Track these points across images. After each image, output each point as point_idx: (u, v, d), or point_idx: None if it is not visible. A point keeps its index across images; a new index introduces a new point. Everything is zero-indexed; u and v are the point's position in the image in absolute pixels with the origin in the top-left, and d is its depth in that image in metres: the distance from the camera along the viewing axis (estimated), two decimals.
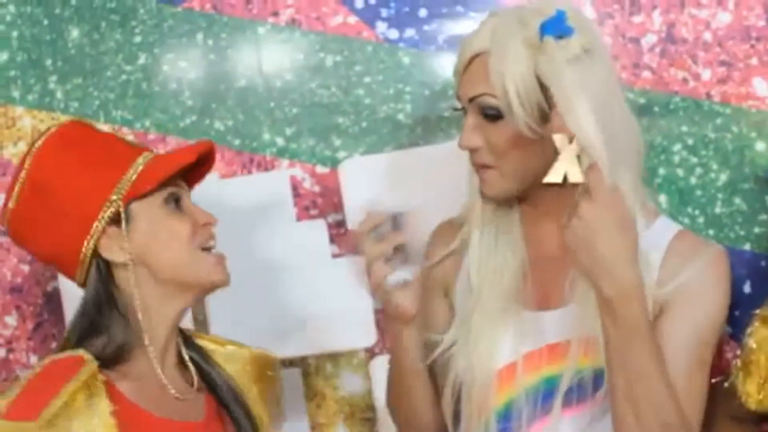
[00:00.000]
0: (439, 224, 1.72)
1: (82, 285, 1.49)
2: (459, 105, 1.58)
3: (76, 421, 1.36)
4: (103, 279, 1.46)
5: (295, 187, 1.91)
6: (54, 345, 1.96)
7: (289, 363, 1.88)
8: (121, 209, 1.45)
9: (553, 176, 1.42)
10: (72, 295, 1.80)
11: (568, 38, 1.49)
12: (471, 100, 1.54)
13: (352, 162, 1.90)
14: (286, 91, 1.91)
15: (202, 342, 1.60)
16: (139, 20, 1.94)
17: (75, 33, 1.95)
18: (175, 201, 1.49)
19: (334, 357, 1.91)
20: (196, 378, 1.52)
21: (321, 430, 1.91)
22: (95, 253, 1.46)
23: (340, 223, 1.91)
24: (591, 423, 1.53)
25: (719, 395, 1.65)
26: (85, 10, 1.94)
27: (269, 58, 1.91)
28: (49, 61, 1.96)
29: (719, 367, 1.67)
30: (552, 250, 1.58)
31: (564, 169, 1.42)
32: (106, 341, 1.44)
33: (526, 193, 1.57)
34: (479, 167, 1.56)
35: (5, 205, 1.48)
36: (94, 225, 1.45)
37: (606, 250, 1.39)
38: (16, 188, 1.46)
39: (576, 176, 1.43)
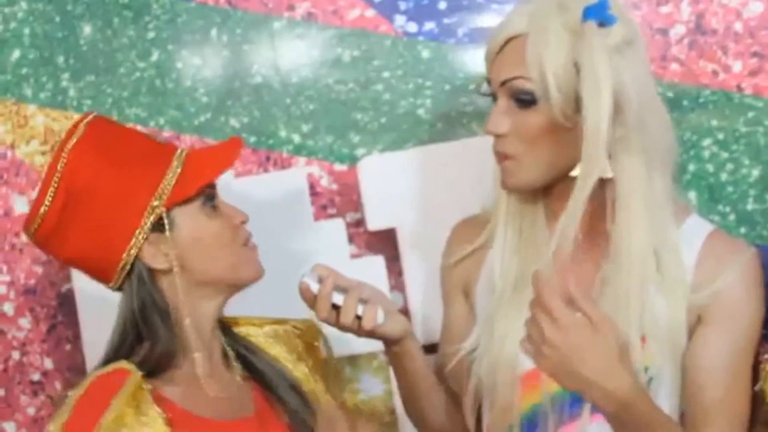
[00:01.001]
0: (459, 222, 1.69)
1: (117, 289, 1.48)
2: (488, 90, 1.54)
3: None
4: (147, 286, 1.45)
5: (313, 186, 1.90)
6: (68, 347, 1.95)
7: None
8: (164, 215, 1.44)
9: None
10: (86, 297, 1.91)
11: (610, 27, 1.46)
12: (503, 83, 1.50)
13: (370, 159, 1.88)
14: (303, 87, 1.90)
15: (240, 329, 1.59)
16: (153, 16, 1.92)
17: (87, 30, 1.93)
18: (211, 201, 1.49)
19: (353, 360, 1.89)
20: (240, 371, 1.52)
21: None
22: (134, 259, 1.45)
23: (359, 222, 1.90)
24: None
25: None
26: (98, 7, 1.93)
27: (285, 53, 1.90)
28: (61, 59, 1.94)
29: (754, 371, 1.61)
30: (576, 247, 1.53)
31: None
32: (150, 349, 1.44)
33: (551, 186, 1.53)
34: (500, 157, 1.52)
35: (35, 208, 1.45)
36: (137, 232, 1.44)
37: (587, 371, 1.35)
38: (50, 192, 1.44)
39: (606, 171, 1.41)
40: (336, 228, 1.89)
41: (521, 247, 1.58)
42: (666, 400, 1.51)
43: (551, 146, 1.49)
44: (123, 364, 1.41)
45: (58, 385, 1.96)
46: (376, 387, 1.89)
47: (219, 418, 1.46)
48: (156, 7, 1.92)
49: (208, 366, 1.48)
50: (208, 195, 1.48)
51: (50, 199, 1.43)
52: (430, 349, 1.70)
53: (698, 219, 1.59)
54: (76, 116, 1.87)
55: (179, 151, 1.49)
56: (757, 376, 1.58)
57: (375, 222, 1.86)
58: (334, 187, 1.90)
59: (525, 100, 1.48)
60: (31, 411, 1.97)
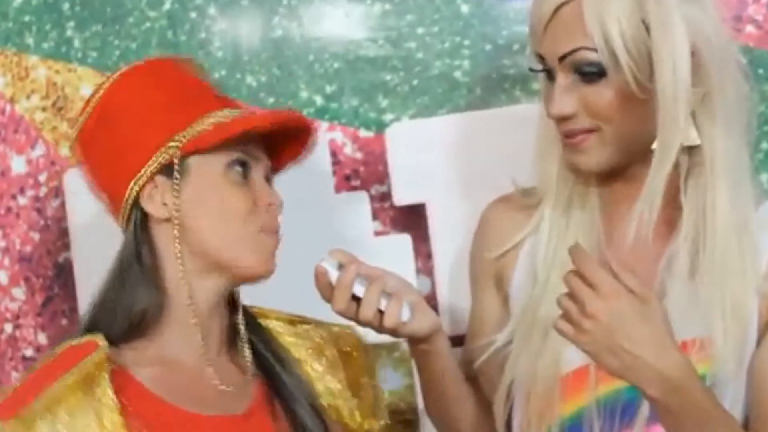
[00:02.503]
0: (493, 204, 1.63)
1: (124, 232, 1.44)
2: (538, 65, 1.48)
3: (71, 415, 1.29)
4: (137, 231, 1.40)
5: (335, 154, 1.84)
6: (64, 322, 1.89)
7: None
8: (176, 159, 1.38)
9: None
10: (85, 268, 1.86)
11: None
12: (563, 57, 1.43)
13: (400, 126, 1.82)
14: (327, 43, 1.84)
15: (267, 322, 1.52)
16: None
17: None
18: (243, 169, 1.41)
19: (373, 349, 1.73)
20: (249, 364, 1.45)
21: None
22: (138, 201, 1.41)
23: (385, 196, 1.83)
24: None
25: None
26: None
27: (308, 4, 1.84)
28: (66, 6, 1.87)
29: None
30: (627, 242, 1.47)
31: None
32: (126, 309, 1.38)
33: (621, 166, 1.48)
34: (576, 135, 1.45)
35: (76, 121, 1.46)
36: (143, 169, 1.38)
37: (634, 345, 1.30)
38: (84, 114, 1.43)
39: (694, 138, 1.41)
40: (359, 202, 1.83)
41: (569, 235, 1.52)
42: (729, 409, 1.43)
43: (628, 120, 1.44)
44: (95, 337, 1.34)
45: None
46: (396, 381, 1.82)
47: (194, 409, 1.37)
48: None
49: (199, 349, 1.39)
50: (237, 159, 1.39)
51: (88, 113, 1.42)
52: (458, 341, 1.63)
53: None
54: (80, 69, 1.87)
55: (235, 109, 1.43)
56: None
57: (403, 196, 1.81)
58: (359, 155, 1.84)
59: (591, 73, 1.42)
60: None
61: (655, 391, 1.32)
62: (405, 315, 1.43)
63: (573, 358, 1.45)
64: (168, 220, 1.38)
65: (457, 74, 1.80)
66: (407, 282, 1.50)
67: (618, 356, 1.31)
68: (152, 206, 1.38)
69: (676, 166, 1.45)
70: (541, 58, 1.46)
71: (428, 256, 1.80)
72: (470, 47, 1.80)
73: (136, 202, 1.38)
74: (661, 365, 1.31)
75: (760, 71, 1.72)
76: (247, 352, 1.44)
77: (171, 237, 1.37)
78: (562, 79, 1.44)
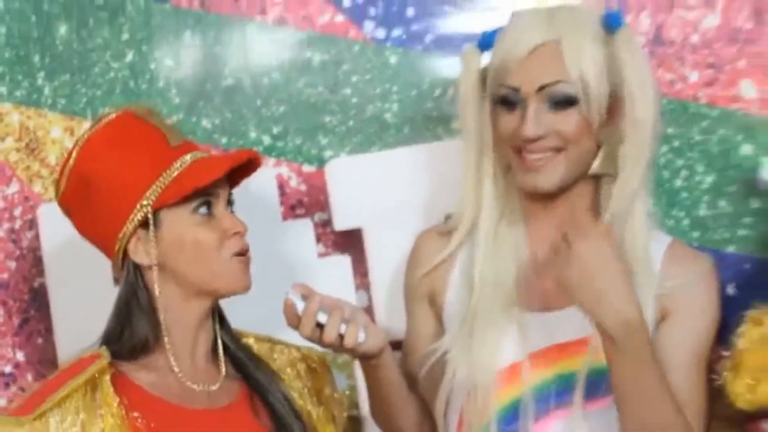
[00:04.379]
0: (423, 234, 1.70)
1: (118, 275, 1.54)
2: (496, 93, 1.56)
3: (73, 415, 1.41)
4: (130, 277, 1.49)
5: (282, 186, 1.90)
6: (40, 341, 1.95)
7: None
8: (150, 215, 1.46)
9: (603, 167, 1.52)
10: (59, 292, 1.92)
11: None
12: (542, 88, 1.52)
13: (338, 161, 1.88)
14: (273, 89, 1.90)
15: (246, 339, 1.61)
16: (127, 17, 1.92)
17: (63, 29, 1.93)
18: (207, 208, 1.49)
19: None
20: (224, 367, 1.54)
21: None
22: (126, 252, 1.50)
23: (326, 223, 1.89)
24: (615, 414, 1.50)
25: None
26: (73, 7, 1.93)
27: (257, 56, 1.90)
28: (37, 58, 1.94)
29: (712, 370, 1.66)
30: (550, 250, 1.55)
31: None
32: (128, 336, 1.49)
33: (562, 188, 1.56)
34: (541, 154, 1.53)
35: (57, 185, 1.53)
36: (125, 227, 1.47)
37: (606, 286, 1.40)
38: (65, 173, 1.51)
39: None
40: (304, 228, 1.89)
41: (500, 249, 1.59)
42: None
43: (584, 145, 1.53)
44: (100, 350, 1.46)
45: (29, 377, 1.96)
46: (341, 382, 1.86)
47: (184, 405, 1.47)
48: (131, 9, 1.92)
49: (188, 359, 1.50)
50: (201, 202, 1.48)
51: (65, 180, 1.50)
52: (394, 346, 1.67)
53: (657, 230, 1.63)
54: (50, 114, 1.93)
55: (189, 155, 1.50)
56: (715, 374, 1.64)
57: (342, 222, 1.86)
58: (303, 187, 1.90)
59: (564, 102, 1.52)
60: (2, 402, 1.95)
61: (615, 326, 1.40)
62: (361, 337, 1.51)
63: (507, 357, 1.54)
64: (152, 265, 1.47)
65: (387, 116, 1.87)
66: (359, 308, 1.57)
67: (591, 291, 1.40)
68: (138, 256, 1.48)
69: (598, 189, 1.56)
70: (514, 89, 1.53)
71: (365, 274, 1.86)
72: (398, 93, 1.87)
73: (126, 253, 1.48)
74: (625, 307, 1.40)
75: None
76: (224, 358, 1.53)
77: (157, 277, 1.47)
78: (535, 105, 1.52)
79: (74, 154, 1.50)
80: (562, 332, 1.55)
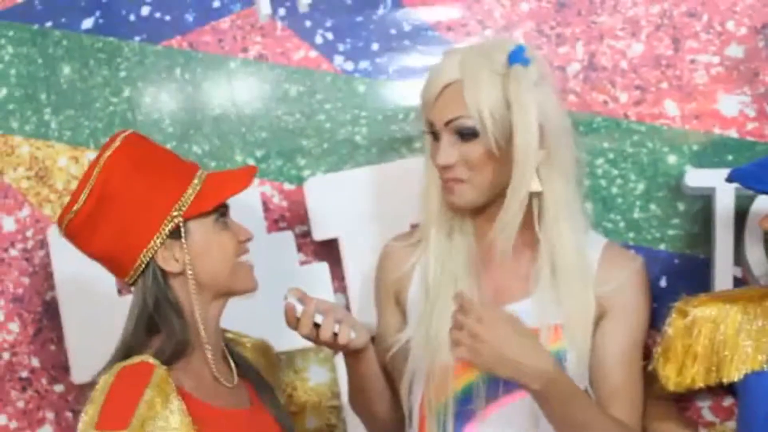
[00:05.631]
0: (389, 242, 1.74)
1: (131, 284, 1.55)
2: (425, 128, 1.62)
3: (161, 421, 1.42)
4: (160, 285, 1.50)
5: (265, 203, 1.93)
6: (52, 348, 1.97)
7: None
8: (181, 225, 1.49)
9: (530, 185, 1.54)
10: (69, 304, 1.94)
11: (528, 67, 1.58)
12: (448, 123, 1.58)
13: (315, 179, 1.91)
14: (256, 117, 1.93)
15: (229, 335, 1.64)
16: (124, 57, 1.95)
17: (66, 70, 1.96)
18: (224, 218, 1.54)
19: (303, 352, 1.92)
20: (235, 369, 1.58)
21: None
22: (149, 260, 1.51)
23: (306, 234, 1.92)
24: None
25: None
26: (75, 50, 1.95)
27: (240, 89, 1.94)
28: (43, 95, 1.96)
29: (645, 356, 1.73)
30: (512, 250, 1.61)
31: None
32: (165, 340, 1.48)
33: (485, 204, 1.62)
34: (452, 181, 1.59)
35: (69, 207, 1.51)
36: (155, 238, 1.49)
37: (517, 355, 1.44)
38: (84, 193, 1.49)
39: (536, 186, 1.56)
40: (286, 239, 1.91)
41: (453, 254, 1.64)
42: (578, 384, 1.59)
43: (491, 171, 1.57)
44: (146, 358, 1.45)
45: (44, 381, 1.97)
46: (322, 375, 1.93)
47: (222, 406, 1.51)
48: (127, 50, 1.93)
49: (211, 360, 1.53)
50: (221, 212, 1.53)
51: (84, 199, 1.49)
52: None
53: (593, 232, 1.71)
54: (58, 145, 1.94)
55: (200, 171, 1.53)
56: (649, 359, 1.72)
57: (320, 233, 1.89)
58: (284, 203, 1.93)
59: (468, 134, 1.56)
60: (20, 404, 1.98)
61: (539, 384, 1.44)
62: (352, 335, 1.57)
63: None
64: (181, 271, 1.49)
65: (358, 138, 1.91)
66: (346, 310, 1.64)
67: (506, 365, 1.43)
68: (167, 264, 1.50)
69: (530, 206, 1.58)
70: (431, 124, 1.60)
71: (342, 278, 1.90)
72: (367, 117, 1.91)
73: (149, 262, 1.49)
74: (540, 364, 1.44)
75: (581, 128, 1.83)
76: (231, 360, 1.58)
77: (184, 282, 1.49)
78: (446, 137, 1.57)
79: (95, 174, 1.48)
80: None
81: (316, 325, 1.57)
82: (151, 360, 1.45)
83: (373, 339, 1.72)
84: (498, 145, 1.56)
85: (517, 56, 1.57)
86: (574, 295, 1.60)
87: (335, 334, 1.57)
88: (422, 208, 1.67)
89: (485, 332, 1.43)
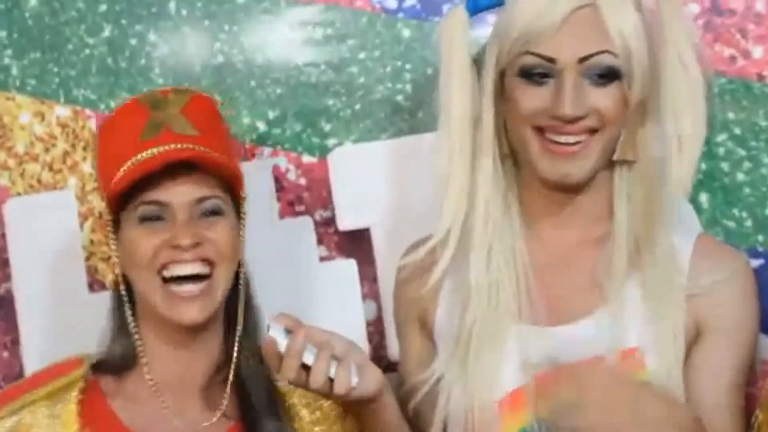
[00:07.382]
0: (401, 263, 1.60)
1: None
2: (533, 63, 1.47)
3: (26, 422, 1.40)
4: (117, 281, 1.48)
5: (279, 180, 1.84)
6: (5, 354, 1.87)
7: None
8: (110, 216, 1.46)
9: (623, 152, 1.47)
10: (27, 299, 1.85)
11: None
12: (585, 59, 1.45)
13: (343, 151, 1.82)
14: (269, 68, 1.84)
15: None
16: None
17: (33, 1, 1.87)
18: (156, 212, 1.45)
19: None
20: (225, 407, 1.48)
21: None
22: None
23: (329, 222, 1.83)
24: None
25: None
26: None
27: (250, 30, 1.84)
28: (3, 34, 1.87)
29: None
30: (558, 254, 1.53)
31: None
32: (111, 347, 1.49)
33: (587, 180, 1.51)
34: (575, 143, 1.46)
35: None
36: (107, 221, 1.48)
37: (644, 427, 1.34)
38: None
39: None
40: (304, 227, 1.82)
41: (493, 260, 1.54)
42: None
43: (618, 129, 1.48)
44: (82, 356, 1.45)
45: None
46: None
47: None
48: None
49: (175, 388, 1.45)
50: (144, 202, 1.44)
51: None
52: None
53: (684, 218, 1.60)
54: (19, 97, 1.87)
55: (156, 148, 1.45)
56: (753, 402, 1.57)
57: (347, 221, 1.80)
58: (302, 181, 1.84)
59: (607, 76, 1.46)
60: None
61: None
62: (354, 380, 1.40)
63: (508, 381, 1.47)
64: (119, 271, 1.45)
65: (399, 98, 1.81)
66: (352, 342, 1.47)
67: None
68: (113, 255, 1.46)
69: (611, 179, 1.48)
70: (547, 59, 1.45)
71: (374, 280, 1.79)
72: (412, 71, 1.80)
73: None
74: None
75: None
76: (227, 395, 1.46)
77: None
78: (573, 79, 1.45)
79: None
80: (571, 350, 1.46)
81: (307, 367, 1.39)
82: (83, 358, 1.45)
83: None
84: (642, 89, 1.46)
85: None
86: (663, 307, 1.50)
87: (331, 380, 1.40)
88: (456, 198, 1.54)
89: (595, 411, 1.34)
